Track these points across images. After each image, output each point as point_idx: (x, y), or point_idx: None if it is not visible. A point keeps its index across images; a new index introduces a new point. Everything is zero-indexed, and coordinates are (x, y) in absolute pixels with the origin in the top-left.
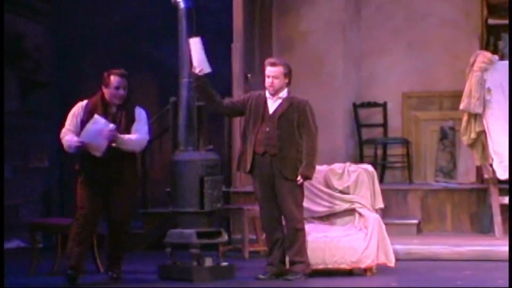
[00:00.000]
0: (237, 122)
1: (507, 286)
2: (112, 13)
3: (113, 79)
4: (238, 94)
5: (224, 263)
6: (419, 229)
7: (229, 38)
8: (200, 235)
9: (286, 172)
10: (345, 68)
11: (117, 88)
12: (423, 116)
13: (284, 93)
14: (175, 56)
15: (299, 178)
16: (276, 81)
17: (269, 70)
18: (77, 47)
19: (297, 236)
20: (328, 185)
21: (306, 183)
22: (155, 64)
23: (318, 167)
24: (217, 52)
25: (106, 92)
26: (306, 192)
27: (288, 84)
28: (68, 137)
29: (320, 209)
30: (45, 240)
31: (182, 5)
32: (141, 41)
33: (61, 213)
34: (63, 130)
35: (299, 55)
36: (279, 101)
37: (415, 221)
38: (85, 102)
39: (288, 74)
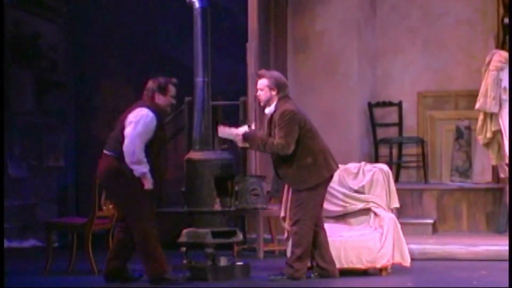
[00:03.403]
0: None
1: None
2: (128, 13)
3: (172, 88)
4: (253, 94)
5: (239, 263)
6: (434, 228)
7: (244, 38)
8: (215, 234)
9: (293, 187)
10: (360, 68)
11: (173, 97)
12: (439, 115)
13: (271, 108)
14: (190, 56)
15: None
16: (261, 93)
17: (258, 82)
18: (93, 47)
19: (293, 239)
20: (343, 184)
21: None
22: (171, 63)
23: None
24: (232, 51)
25: (162, 99)
26: None
27: (278, 97)
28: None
29: (335, 208)
30: (60, 239)
31: (197, 5)
32: (156, 41)
33: (76, 212)
34: (138, 150)
35: (314, 55)
36: (269, 116)
37: (431, 221)
38: (152, 113)
39: (274, 86)
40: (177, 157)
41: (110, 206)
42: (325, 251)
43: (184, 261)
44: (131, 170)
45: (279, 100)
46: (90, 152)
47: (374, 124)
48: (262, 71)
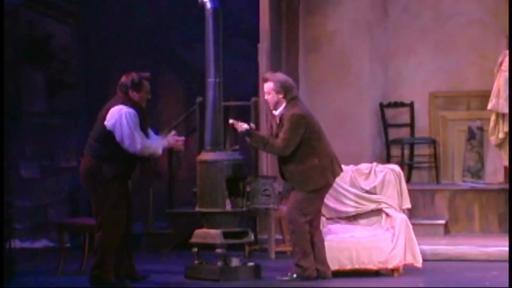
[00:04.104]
0: (263, 122)
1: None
2: (139, 14)
3: (146, 83)
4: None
5: (251, 263)
6: (446, 229)
7: (256, 38)
8: (226, 235)
9: (298, 188)
10: (371, 68)
11: (148, 92)
12: (451, 116)
13: (280, 110)
14: (202, 57)
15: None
16: (268, 97)
17: (264, 86)
18: (104, 48)
19: (291, 238)
20: (354, 185)
21: (334, 184)
22: (182, 64)
23: (344, 167)
24: (243, 52)
25: (137, 96)
26: (332, 192)
27: (286, 100)
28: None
29: (346, 209)
30: (72, 240)
31: (208, 5)
32: (168, 42)
33: (88, 213)
34: (138, 137)
35: (325, 55)
36: (278, 118)
37: (443, 222)
38: (132, 109)
39: (280, 89)
40: (189, 157)
41: None
42: (319, 251)
43: (196, 262)
44: (109, 172)
45: (287, 102)
46: None
47: (385, 125)
48: (267, 75)
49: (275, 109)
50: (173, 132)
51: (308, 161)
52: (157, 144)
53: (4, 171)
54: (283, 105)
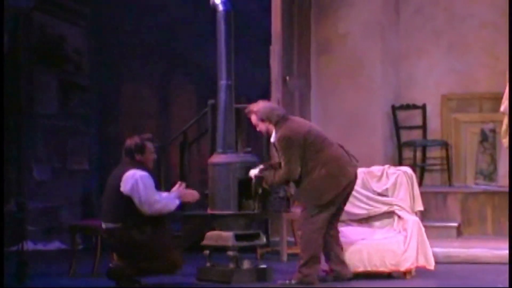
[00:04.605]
0: None
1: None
2: (151, 16)
3: (149, 145)
4: (276, 97)
5: (262, 266)
6: (459, 232)
7: (268, 41)
8: (238, 237)
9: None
10: (383, 70)
11: (152, 153)
12: (463, 118)
13: (273, 136)
14: (213, 59)
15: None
16: (258, 128)
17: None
18: (117, 50)
19: (300, 244)
20: (366, 187)
21: None
22: (194, 66)
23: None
24: (255, 54)
25: (143, 158)
26: None
27: (273, 124)
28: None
29: (358, 211)
30: (84, 242)
31: (220, 8)
32: (180, 44)
33: (100, 215)
34: (157, 198)
35: (337, 57)
36: (274, 145)
37: (455, 224)
38: (144, 172)
39: (263, 117)
40: (201, 160)
41: None
42: (337, 253)
43: (208, 264)
44: (140, 237)
45: (275, 126)
46: (114, 155)
47: (397, 127)
48: (248, 108)
49: (270, 136)
50: (182, 185)
51: (315, 173)
52: (173, 201)
53: (17, 173)
54: (274, 130)
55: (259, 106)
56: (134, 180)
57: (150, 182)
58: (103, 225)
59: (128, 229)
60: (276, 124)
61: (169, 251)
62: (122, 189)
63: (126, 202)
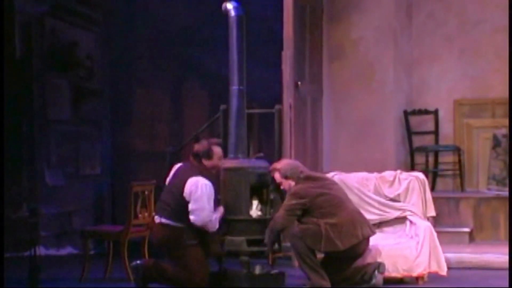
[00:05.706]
0: (288, 129)
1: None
2: (163, 22)
3: (217, 149)
4: (288, 102)
5: (274, 271)
6: (471, 237)
7: (280, 46)
8: (250, 242)
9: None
10: (396, 75)
11: (220, 158)
12: (476, 123)
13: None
14: (225, 64)
15: None
16: (282, 186)
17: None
18: (129, 55)
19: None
20: (378, 192)
21: (356, 191)
22: (206, 72)
23: (368, 175)
24: (267, 59)
25: (210, 163)
26: (356, 200)
27: (295, 181)
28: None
29: (370, 217)
30: (96, 247)
31: (232, 13)
32: (192, 49)
33: (112, 220)
34: (207, 213)
35: (349, 63)
36: None
37: (468, 230)
38: (208, 182)
39: (287, 175)
40: None
41: (146, 214)
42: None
43: (220, 269)
44: (189, 239)
45: (296, 183)
46: (127, 160)
47: (410, 132)
48: (272, 166)
49: None
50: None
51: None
52: (216, 222)
53: (30, 178)
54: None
55: (283, 164)
56: (195, 187)
57: (210, 192)
58: (157, 219)
59: (180, 230)
60: (297, 183)
61: (200, 268)
62: (184, 193)
63: (186, 205)
